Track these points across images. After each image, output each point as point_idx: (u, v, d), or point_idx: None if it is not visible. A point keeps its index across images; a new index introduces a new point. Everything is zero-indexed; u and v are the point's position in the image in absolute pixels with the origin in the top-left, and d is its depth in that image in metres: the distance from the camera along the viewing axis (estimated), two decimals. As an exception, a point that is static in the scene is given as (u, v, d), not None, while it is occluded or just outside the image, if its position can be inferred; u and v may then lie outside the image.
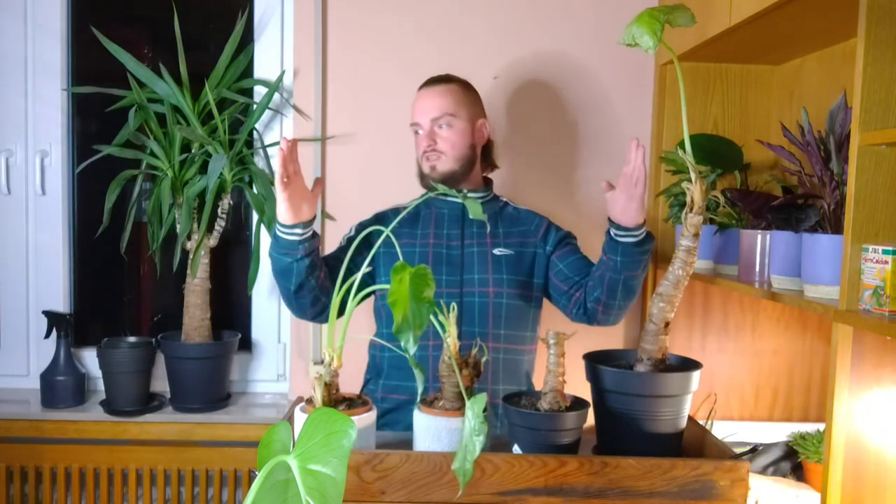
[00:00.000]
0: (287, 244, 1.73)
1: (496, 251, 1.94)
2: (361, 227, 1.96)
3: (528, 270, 1.95)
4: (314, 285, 1.79)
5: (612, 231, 1.76)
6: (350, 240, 1.95)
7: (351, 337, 1.85)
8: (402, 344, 1.21)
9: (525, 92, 2.40)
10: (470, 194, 1.98)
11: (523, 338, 1.96)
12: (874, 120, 1.34)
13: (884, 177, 1.35)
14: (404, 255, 1.53)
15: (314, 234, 1.77)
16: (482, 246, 1.94)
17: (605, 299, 1.82)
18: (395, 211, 1.99)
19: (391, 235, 1.46)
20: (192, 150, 2.27)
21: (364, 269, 1.43)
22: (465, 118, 1.96)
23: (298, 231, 1.72)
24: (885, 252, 1.30)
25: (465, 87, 2.00)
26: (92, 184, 2.43)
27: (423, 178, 1.99)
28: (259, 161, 2.40)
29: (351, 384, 1.91)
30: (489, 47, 2.38)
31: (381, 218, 1.98)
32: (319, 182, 1.77)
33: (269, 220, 2.30)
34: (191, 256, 2.27)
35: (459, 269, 1.91)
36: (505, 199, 2.07)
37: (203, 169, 2.28)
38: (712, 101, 2.30)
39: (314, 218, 1.76)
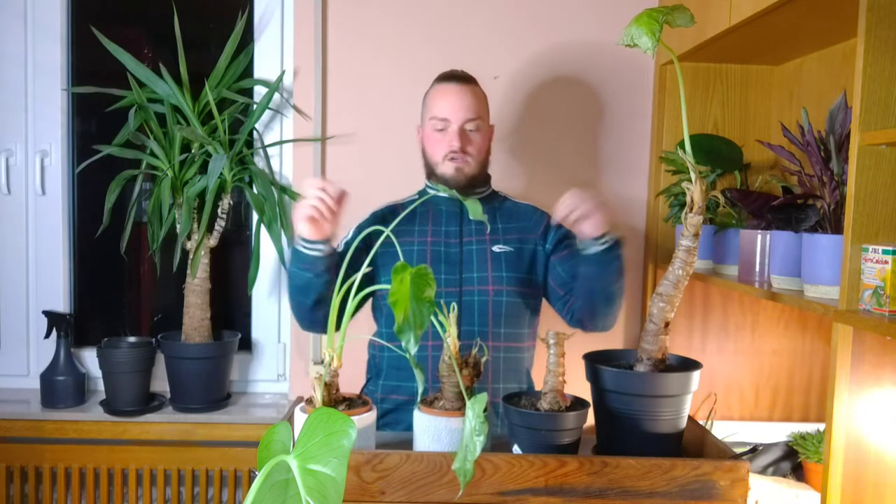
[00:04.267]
0: (309, 260, 1.71)
1: (495, 248, 1.92)
2: (360, 229, 1.96)
3: (528, 267, 1.93)
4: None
5: (577, 243, 1.77)
6: (348, 244, 1.94)
7: (351, 337, 1.86)
8: (404, 344, 1.21)
9: (525, 92, 2.40)
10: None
11: (522, 335, 1.95)
12: (874, 120, 1.34)
13: (884, 177, 1.35)
14: (402, 254, 1.53)
15: (334, 248, 1.76)
16: (481, 243, 1.92)
17: (588, 308, 1.84)
18: (392, 210, 1.98)
19: (391, 236, 1.45)
20: (192, 150, 2.27)
21: (364, 269, 1.43)
22: (487, 122, 1.95)
23: (321, 247, 1.71)
24: (885, 252, 1.30)
25: (481, 89, 1.97)
26: (92, 184, 2.44)
27: (434, 176, 1.93)
28: (259, 161, 2.40)
29: (351, 384, 1.91)
30: (489, 47, 2.38)
31: (379, 218, 1.97)
32: (344, 196, 1.71)
33: (269, 221, 2.30)
34: (191, 256, 2.27)
35: (458, 268, 1.90)
36: (504, 195, 2.05)
37: (203, 169, 2.28)
38: (712, 101, 2.30)
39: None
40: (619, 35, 1.35)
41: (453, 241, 1.92)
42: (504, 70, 2.38)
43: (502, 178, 2.37)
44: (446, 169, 1.89)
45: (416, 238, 1.92)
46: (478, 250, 1.91)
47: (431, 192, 1.99)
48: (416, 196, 1.99)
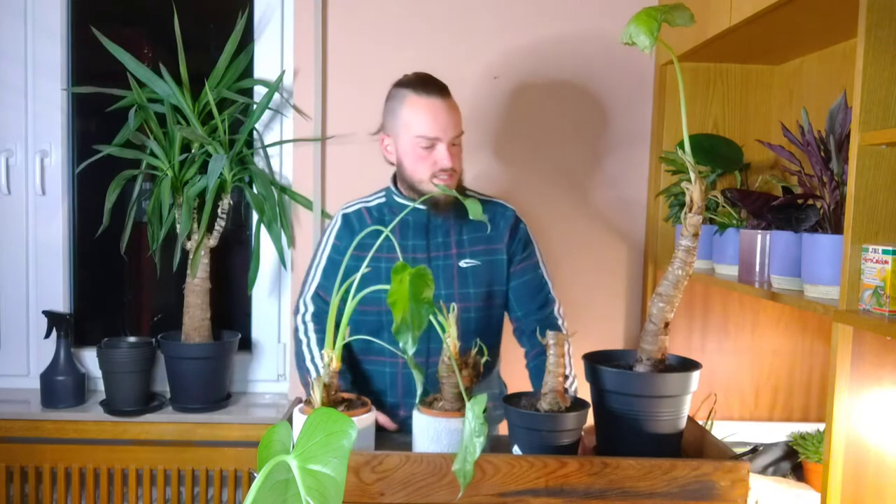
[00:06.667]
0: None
1: (462, 263, 1.83)
2: (339, 237, 1.86)
3: (495, 279, 1.87)
4: None
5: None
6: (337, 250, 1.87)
7: (350, 338, 1.85)
8: (402, 345, 1.21)
9: (525, 92, 2.40)
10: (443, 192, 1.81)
11: (492, 344, 1.90)
12: (874, 120, 1.34)
13: (884, 177, 1.35)
14: (372, 269, 1.50)
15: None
16: (448, 258, 1.84)
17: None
18: (359, 214, 1.88)
19: (391, 236, 1.45)
20: (192, 150, 2.27)
21: (364, 269, 1.42)
22: None
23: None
24: (885, 252, 1.30)
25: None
26: (92, 184, 2.43)
27: (414, 191, 1.82)
28: (259, 161, 2.40)
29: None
30: (489, 47, 2.38)
31: (349, 224, 1.87)
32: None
33: (269, 221, 2.30)
34: (191, 256, 2.27)
35: None
36: (471, 192, 1.93)
37: (203, 169, 2.28)
38: (712, 101, 2.30)
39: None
40: (619, 35, 1.35)
41: (421, 255, 1.83)
42: (504, 70, 2.38)
43: (501, 178, 2.38)
44: (434, 188, 1.77)
45: (385, 253, 1.76)
46: (444, 266, 1.83)
47: (414, 191, 1.86)
48: (383, 196, 1.89)
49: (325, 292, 1.86)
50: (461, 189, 1.89)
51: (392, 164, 1.90)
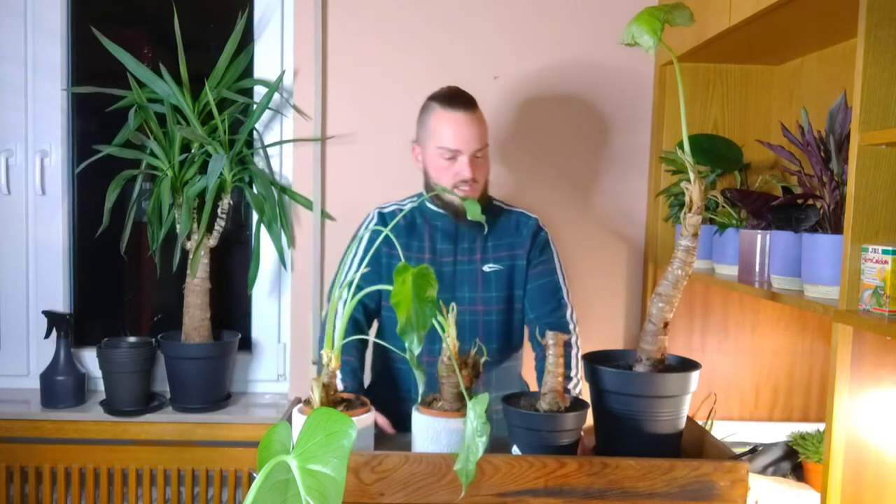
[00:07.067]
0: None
1: (485, 268, 1.90)
2: (375, 233, 1.90)
3: (516, 283, 1.92)
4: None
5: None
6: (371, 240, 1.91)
7: (350, 338, 1.85)
8: (407, 345, 1.21)
9: (525, 92, 2.40)
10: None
11: (513, 347, 1.95)
12: (874, 120, 1.34)
13: (884, 177, 1.35)
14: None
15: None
16: (472, 263, 1.91)
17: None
18: (393, 215, 1.94)
19: (390, 234, 1.45)
20: (192, 150, 2.27)
21: (363, 269, 1.43)
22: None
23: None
24: (885, 252, 1.30)
25: (480, 110, 1.91)
26: (92, 184, 2.43)
27: (439, 199, 1.89)
28: (259, 161, 2.40)
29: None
30: (489, 47, 2.38)
31: (384, 222, 1.93)
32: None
33: (269, 221, 2.30)
34: (191, 256, 2.27)
35: (451, 287, 1.88)
36: (497, 202, 1.99)
37: (203, 169, 2.28)
38: (712, 101, 2.30)
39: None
40: (619, 35, 1.35)
41: (447, 259, 1.90)
42: (504, 70, 2.38)
43: (500, 179, 2.38)
44: (454, 197, 1.84)
45: (414, 254, 1.89)
46: (469, 270, 1.90)
47: (439, 199, 1.93)
48: (416, 200, 1.95)
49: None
50: (487, 199, 1.95)
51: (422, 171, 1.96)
